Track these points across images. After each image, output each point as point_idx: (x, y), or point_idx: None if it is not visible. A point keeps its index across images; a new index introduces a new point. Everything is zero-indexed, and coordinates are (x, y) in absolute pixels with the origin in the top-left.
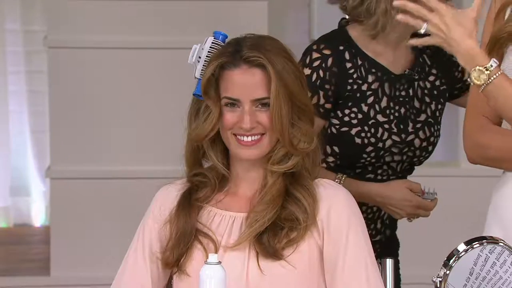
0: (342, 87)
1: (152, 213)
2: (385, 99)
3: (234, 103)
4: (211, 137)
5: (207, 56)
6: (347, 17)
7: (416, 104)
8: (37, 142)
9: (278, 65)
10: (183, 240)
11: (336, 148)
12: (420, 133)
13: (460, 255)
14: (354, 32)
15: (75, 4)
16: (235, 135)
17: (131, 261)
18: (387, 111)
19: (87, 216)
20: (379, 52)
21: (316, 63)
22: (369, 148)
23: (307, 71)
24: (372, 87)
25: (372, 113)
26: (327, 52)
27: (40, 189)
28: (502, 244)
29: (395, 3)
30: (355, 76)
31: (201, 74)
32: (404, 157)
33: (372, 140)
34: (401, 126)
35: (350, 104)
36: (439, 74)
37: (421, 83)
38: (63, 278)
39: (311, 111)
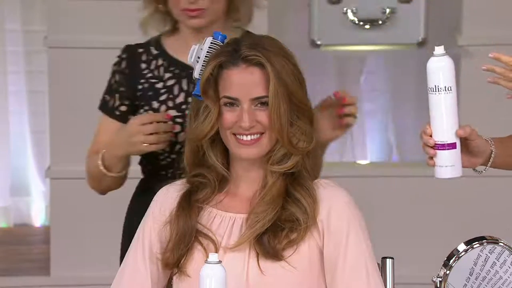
0: (133, 88)
1: (152, 214)
2: (182, 94)
3: (233, 102)
4: (211, 137)
5: (206, 56)
6: None
7: None
8: (37, 142)
9: (277, 64)
10: (184, 241)
11: None
12: None
13: (460, 255)
14: (163, 35)
15: (75, 4)
16: (234, 134)
17: (131, 262)
18: (183, 106)
19: (87, 216)
20: (182, 50)
21: (114, 67)
22: None
23: (109, 77)
24: (167, 84)
25: (163, 108)
26: (124, 55)
27: (40, 189)
28: (502, 244)
29: (483, 68)
30: (149, 75)
31: (200, 74)
32: None
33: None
34: None
35: (142, 103)
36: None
37: None
38: (63, 278)
39: (311, 111)
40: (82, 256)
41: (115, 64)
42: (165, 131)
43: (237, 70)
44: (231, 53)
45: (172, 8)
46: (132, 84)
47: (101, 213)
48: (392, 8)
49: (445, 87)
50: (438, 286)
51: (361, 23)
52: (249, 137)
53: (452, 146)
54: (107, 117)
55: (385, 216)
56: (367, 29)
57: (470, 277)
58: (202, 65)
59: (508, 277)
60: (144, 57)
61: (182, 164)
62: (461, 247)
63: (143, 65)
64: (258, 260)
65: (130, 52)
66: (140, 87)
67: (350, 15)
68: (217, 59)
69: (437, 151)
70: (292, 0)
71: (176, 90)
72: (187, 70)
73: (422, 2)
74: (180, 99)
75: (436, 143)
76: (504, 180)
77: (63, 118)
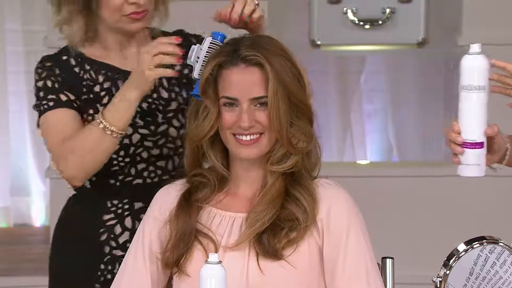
0: (78, 90)
1: (152, 214)
2: None
3: (232, 102)
4: (211, 138)
5: (205, 56)
6: None
7: (164, 94)
8: (37, 142)
9: (276, 63)
10: (183, 240)
11: None
12: (174, 122)
13: (460, 255)
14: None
15: None
16: (234, 135)
17: (131, 262)
18: None
19: None
20: (103, 55)
21: (44, 74)
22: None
23: (40, 84)
24: (105, 86)
25: None
26: (49, 64)
27: (40, 189)
28: (502, 244)
29: (492, 76)
30: (85, 77)
31: (199, 74)
32: (166, 150)
33: None
34: (148, 119)
35: (88, 107)
36: (185, 62)
37: None
38: None
39: (310, 110)
40: None
41: (43, 72)
42: (170, 54)
43: (236, 70)
44: (231, 53)
45: (109, 17)
46: (76, 86)
47: None
48: (392, 8)
49: (478, 85)
50: (438, 286)
51: (361, 23)
52: (248, 137)
53: (481, 145)
54: (66, 109)
55: (385, 216)
56: (367, 29)
57: (470, 277)
58: (202, 65)
59: (508, 277)
60: (73, 62)
61: (132, 169)
62: (461, 247)
63: (76, 69)
64: (258, 260)
65: (55, 60)
66: (84, 89)
67: (350, 15)
68: (217, 59)
69: (465, 149)
70: (292, 0)
71: (114, 91)
72: (119, 71)
73: (422, 2)
74: None
75: (465, 141)
76: (504, 180)
77: None
